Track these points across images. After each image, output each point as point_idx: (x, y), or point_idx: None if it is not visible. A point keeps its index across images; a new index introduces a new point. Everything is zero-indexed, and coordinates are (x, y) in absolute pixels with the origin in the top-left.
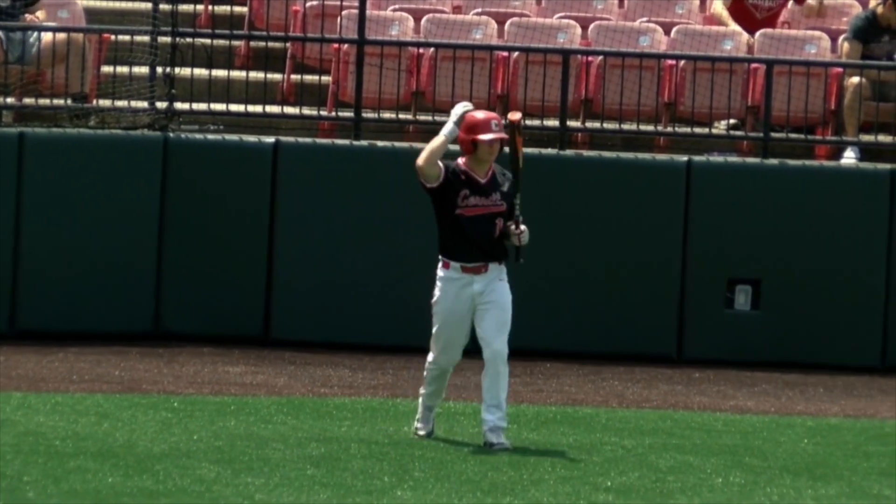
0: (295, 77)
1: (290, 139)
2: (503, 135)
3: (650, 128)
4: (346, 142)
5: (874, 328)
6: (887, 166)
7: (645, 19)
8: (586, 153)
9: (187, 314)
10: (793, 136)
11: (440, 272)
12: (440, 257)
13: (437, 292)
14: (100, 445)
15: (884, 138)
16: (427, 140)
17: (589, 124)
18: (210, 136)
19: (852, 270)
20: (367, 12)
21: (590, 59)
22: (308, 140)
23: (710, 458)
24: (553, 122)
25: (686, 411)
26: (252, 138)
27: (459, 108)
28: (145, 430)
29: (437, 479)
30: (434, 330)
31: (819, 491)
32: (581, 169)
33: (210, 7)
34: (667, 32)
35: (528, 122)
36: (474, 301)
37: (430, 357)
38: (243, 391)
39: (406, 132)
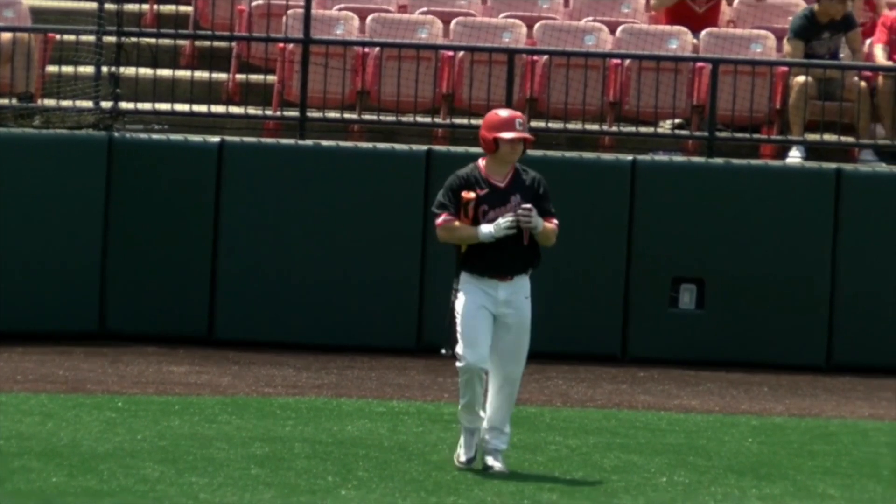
0: (240, 76)
1: (235, 139)
2: (527, 135)
3: (595, 127)
4: (291, 141)
5: (819, 327)
6: (833, 165)
7: (590, 19)
8: (532, 152)
9: (132, 314)
10: (738, 135)
11: (462, 276)
12: (461, 271)
13: (458, 296)
14: (44, 445)
15: (829, 137)
16: (373, 139)
17: (534, 124)
18: (155, 136)
19: (797, 269)
20: (313, 12)
21: (535, 58)
22: (253, 140)
23: (655, 457)
24: None
25: (630, 410)
26: (197, 138)
27: (504, 225)
28: (90, 430)
29: (380, 478)
30: (458, 328)
31: (764, 490)
32: (525, 166)
33: (155, 7)
34: (612, 32)
35: (473, 122)
36: (497, 307)
37: (459, 362)
38: (188, 391)
39: (351, 132)
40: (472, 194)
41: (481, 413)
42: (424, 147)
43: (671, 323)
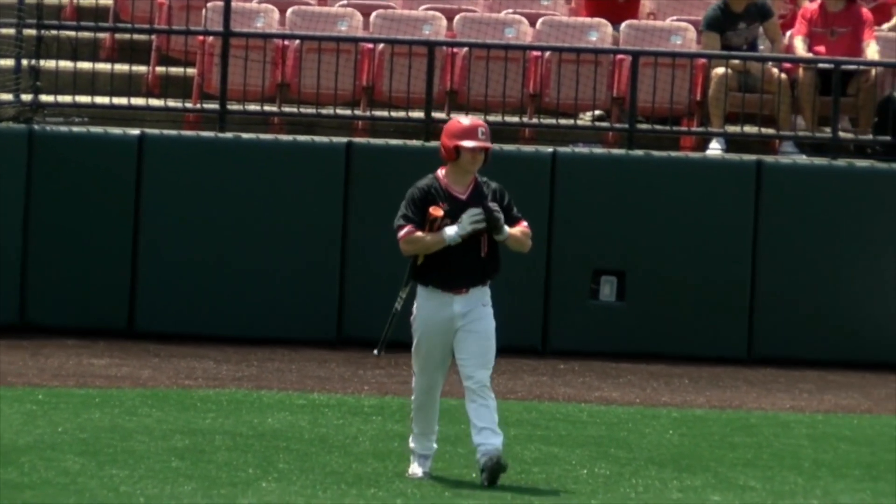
0: (160, 69)
1: (156, 131)
2: (488, 144)
3: (515, 119)
4: (211, 134)
5: (740, 319)
6: (753, 157)
7: (510, 11)
8: None
9: (52, 306)
10: (658, 127)
11: (418, 290)
12: (416, 283)
13: (414, 308)
14: None
15: (749, 129)
16: (293, 132)
17: (454, 116)
18: (75, 129)
19: (718, 261)
20: (233, 4)
21: (455, 50)
22: (173, 132)
23: (576, 449)
24: (418, 114)
25: (551, 402)
26: (117, 130)
27: (468, 226)
28: (10, 423)
29: (301, 470)
30: (413, 346)
31: (685, 482)
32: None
33: (75, 0)
34: (532, 24)
35: (393, 114)
36: (454, 322)
37: (413, 385)
38: (108, 383)
39: (271, 124)
40: (440, 211)
41: (434, 440)
42: (344, 139)
43: (592, 315)
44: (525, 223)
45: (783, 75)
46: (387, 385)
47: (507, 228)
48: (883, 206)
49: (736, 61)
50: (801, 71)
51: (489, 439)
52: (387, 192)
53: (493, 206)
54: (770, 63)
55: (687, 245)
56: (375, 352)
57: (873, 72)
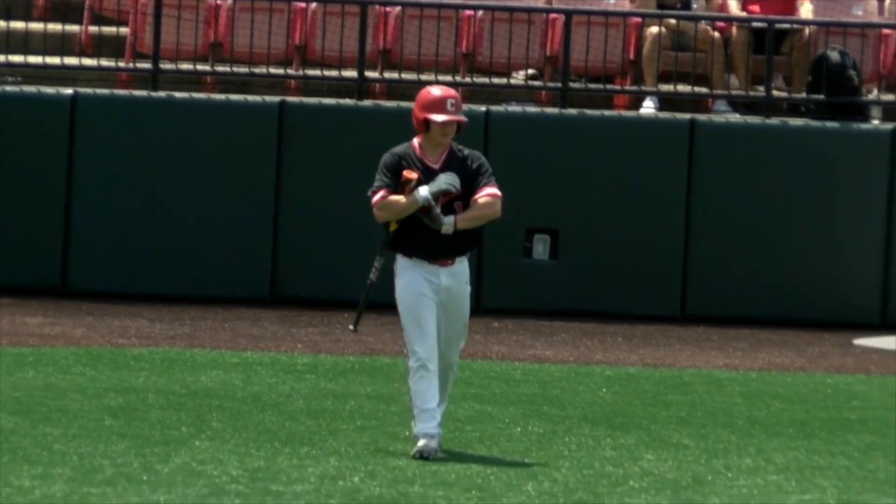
0: (93, 28)
1: (89, 91)
2: (459, 117)
3: (448, 78)
4: (144, 93)
5: (673, 277)
6: (686, 116)
7: None
8: (385, 104)
9: None
10: (592, 86)
11: (399, 261)
12: (395, 254)
13: (397, 282)
14: None
15: (683, 88)
16: (226, 91)
17: (387, 75)
18: (8, 88)
19: (651, 220)
20: None
21: (388, 9)
22: (106, 91)
23: (509, 407)
24: (351, 73)
25: (484, 361)
26: (50, 90)
27: (443, 183)
28: None
29: (234, 429)
30: (402, 320)
31: (618, 440)
32: (379, 119)
33: None
34: None
35: (326, 73)
36: (438, 295)
37: (409, 359)
38: (41, 342)
39: (204, 83)
40: (414, 174)
41: (438, 413)
42: (277, 98)
43: (525, 273)
44: (492, 189)
45: (717, 34)
46: (320, 343)
47: (443, 219)
48: (816, 165)
49: (670, 20)
50: (734, 30)
51: (428, 423)
52: (320, 151)
53: (450, 181)
54: (704, 22)
55: (620, 204)
56: (352, 327)
57: (807, 30)
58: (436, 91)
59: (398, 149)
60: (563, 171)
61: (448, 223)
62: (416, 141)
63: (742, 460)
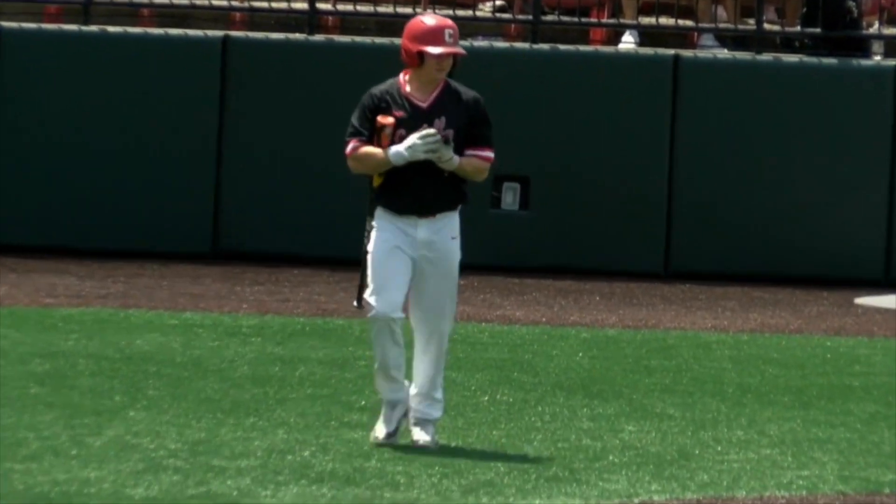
0: None
1: (14, 25)
2: (459, 49)
3: (408, 10)
4: (74, 27)
5: (656, 230)
6: (670, 51)
7: None
8: (338, 38)
9: None
10: (565, 18)
11: (377, 212)
12: (375, 207)
13: (371, 234)
14: None
15: (665, 21)
16: (163, 25)
17: (341, 7)
18: None
19: (632, 167)
20: None
21: None
22: (33, 26)
23: (476, 373)
24: (301, 5)
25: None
26: None
27: (419, 141)
28: None
29: (173, 397)
30: (369, 271)
31: (596, 410)
32: (332, 56)
33: None
34: None
35: (274, 5)
36: (416, 250)
37: (368, 312)
38: None
39: (140, 16)
40: (389, 119)
41: (402, 380)
42: (220, 33)
43: (493, 225)
44: (488, 152)
45: None
46: (267, 303)
47: (452, 156)
48: (813, 106)
49: None
50: None
51: (426, 406)
52: (267, 92)
53: (442, 134)
54: None
55: (597, 149)
56: (355, 303)
57: None
58: (430, 20)
59: (380, 87)
60: (535, 112)
61: (454, 160)
62: (402, 77)
63: (732, 432)
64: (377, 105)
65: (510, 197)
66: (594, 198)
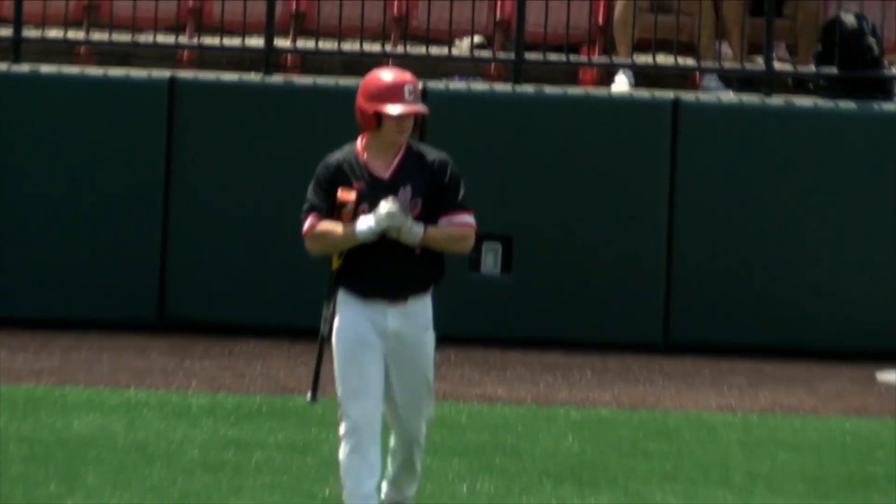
0: None
1: None
2: (420, 108)
3: (376, 48)
4: (3, 66)
5: (654, 296)
6: (669, 94)
7: None
8: (298, 79)
9: None
10: (552, 57)
11: (340, 295)
12: (337, 288)
13: (335, 322)
14: None
15: (664, 60)
16: (103, 63)
17: (301, 44)
18: None
19: (626, 224)
20: None
21: None
22: None
23: (453, 459)
24: (257, 42)
25: None
26: None
27: (386, 213)
28: None
29: (115, 486)
30: (335, 371)
31: (588, 499)
32: (292, 98)
33: None
34: None
35: (226, 43)
36: (386, 341)
37: (341, 423)
38: None
39: (77, 55)
40: (351, 194)
41: (380, 491)
42: (167, 73)
43: (471, 291)
44: (466, 217)
45: None
46: (219, 379)
47: (418, 231)
48: (829, 155)
49: None
50: None
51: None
52: (219, 140)
53: (403, 198)
54: None
55: (588, 204)
56: (309, 396)
57: None
58: (387, 75)
59: (335, 156)
60: (517, 163)
61: (416, 232)
62: (360, 142)
63: None
64: (334, 177)
65: (490, 259)
66: (584, 260)
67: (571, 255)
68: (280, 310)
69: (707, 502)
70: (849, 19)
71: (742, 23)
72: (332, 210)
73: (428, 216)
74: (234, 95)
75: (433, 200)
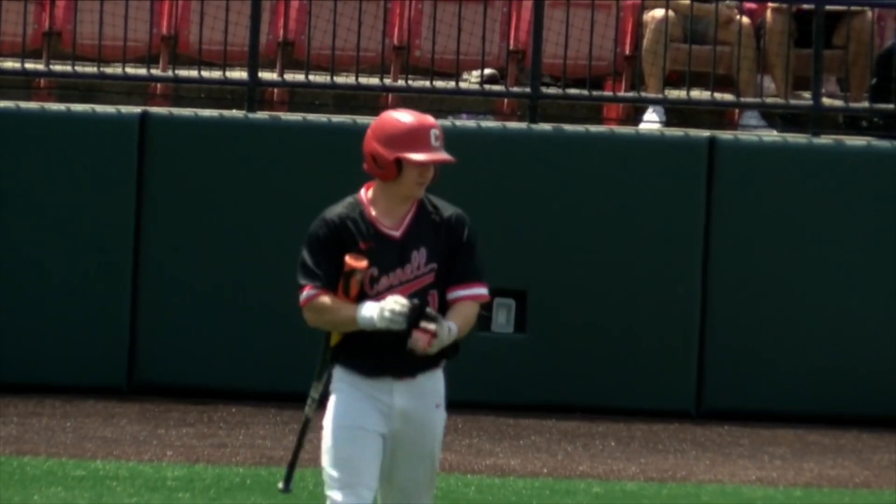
0: None
1: None
2: (447, 157)
3: (374, 81)
4: None
5: (685, 358)
6: (704, 133)
7: None
8: (285, 116)
9: None
10: (572, 91)
11: (336, 372)
12: (333, 363)
13: (330, 401)
14: None
15: (699, 94)
16: (66, 99)
17: (289, 76)
18: None
19: (655, 277)
20: None
21: None
22: None
23: None
24: (240, 74)
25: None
26: None
27: (389, 316)
28: None
29: None
30: (324, 456)
31: None
32: (278, 137)
33: None
34: None
35: (205, 74)
36: (391, 422)
37: None
38: None
39: (36, 87)
40: (363, 261)
41: None
42: (138, 109)
43: (482, 352)
44: (482, 289)
45: (745, 20)
46: (197, 449)
47: (446, 332)
48: (882, 200)
49: (680, 0)
50: (769, 14)
51: None
52: (196, 183)
53: (431, 314)
54: (727, 3)
55: (612, 256)
56: (281, 485)
57: (869, 14)
58: (407, 118)
59: (336, 211)
60: (533, 209)
61: (453, 334)
62: (365, 194)
63: None
64: (337, 236)
65: (503, 316)
66: (607, 317)
67: (593, 311)
68: (264, 373)
69: None
70: None
71: (787, 54)
72: (336, 275)
73: (440, 281)
74: (214, 133)
75: (444, 263)
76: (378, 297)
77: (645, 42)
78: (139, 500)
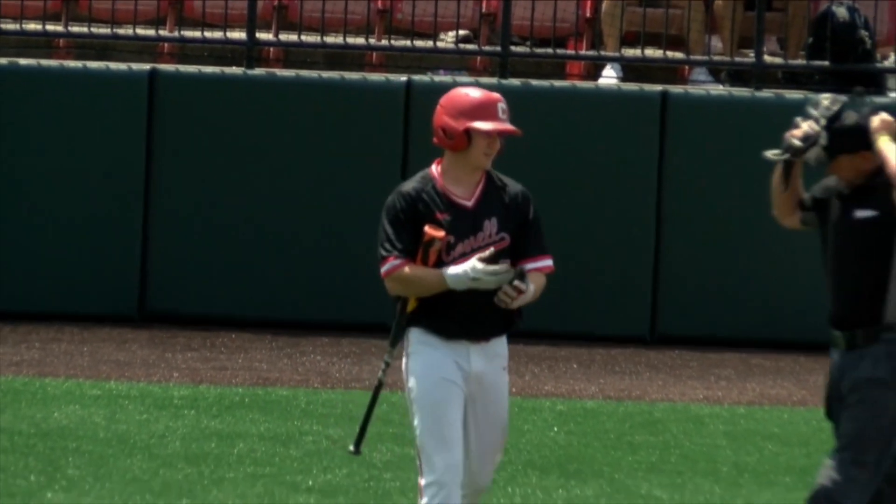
0: None
1: None
2: (514, 129)
3: (360, 41)
4: None
5: (640, 289)
6: (657, 87)
7: None
8: (280, 72)
9: None
10: (538, 50)
11: (413, 335)
12: (408, 329)
13: (411, 364)
14: None
15: (652, 53)
16: (83, 57)
17: (283, 37)
18: None
19: (613, 217)
20: None
21: None
22: None
23: None
24: (239, 35)
25: (405, 393)
26: None
27: (484, 273)
28: None
29: (95, 478)
30: (415, 423)
31: (573, 491)
32: (275, 92)
33: None
34: None
35: (207, 34)
36: (468, 383)
37: (423, 477)
38: None
39: (55, 47)
40: (440, 231)
41: None
42: (147, 66)
43: None
44: (547, 261)
45: None
46: (201, 371)
47: (531, 293)
48: None
49: None
50: None
51: None
52: (200, 133)
53: (515, 290)
54: None
55: (575, 198)
56: (352, 448)
57: None
58: (474, 92)
59: (410, 185)
60: (503, 156)
61: (531, 292)
62: (435, 169)
63: None
64: (412, 210)
65: None
66: (571, 252)
67: (558, 246)
68: (262, 302)
69: (694, 494)
70: (840, 12)
71: (732, 16)
72: (414, 245)
73: (512, 253)
74: (216, 89)
75: (513, 236)
76: (455, 262)
77: (604, 5)
78: (149, 417)
